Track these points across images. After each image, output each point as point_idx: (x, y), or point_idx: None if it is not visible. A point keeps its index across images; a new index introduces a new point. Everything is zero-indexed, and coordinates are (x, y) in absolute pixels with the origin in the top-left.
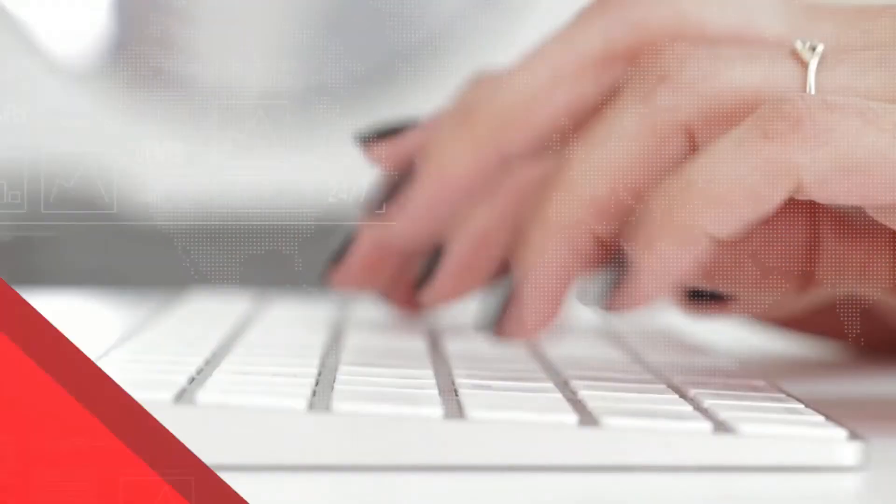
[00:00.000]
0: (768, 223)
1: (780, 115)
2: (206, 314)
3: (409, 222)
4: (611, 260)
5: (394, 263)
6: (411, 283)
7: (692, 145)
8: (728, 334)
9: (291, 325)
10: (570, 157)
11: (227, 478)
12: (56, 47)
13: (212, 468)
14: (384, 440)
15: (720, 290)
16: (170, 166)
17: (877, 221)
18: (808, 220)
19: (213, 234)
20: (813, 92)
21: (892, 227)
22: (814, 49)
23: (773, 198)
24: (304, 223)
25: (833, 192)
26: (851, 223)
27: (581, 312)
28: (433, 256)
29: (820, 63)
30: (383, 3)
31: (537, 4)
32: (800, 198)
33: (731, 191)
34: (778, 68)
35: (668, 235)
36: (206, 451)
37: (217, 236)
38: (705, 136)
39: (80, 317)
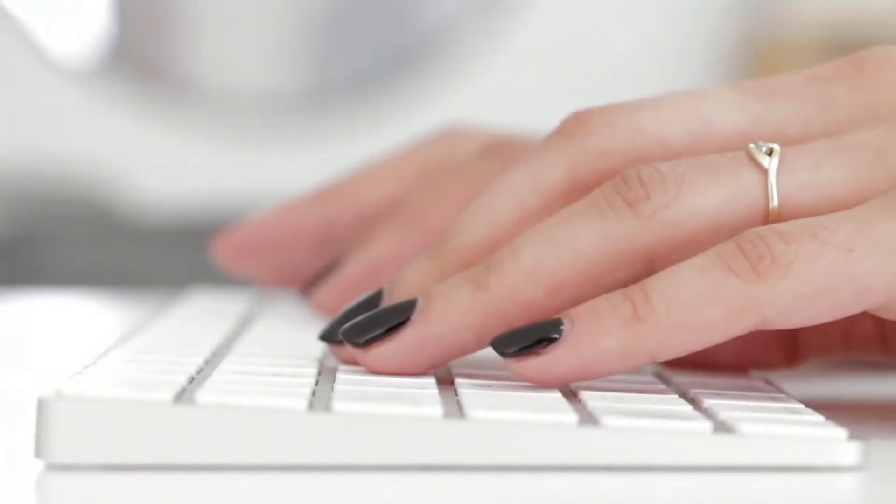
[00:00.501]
0: None
1: (742, 252)
2: (206, 314)
3: (388, 357)
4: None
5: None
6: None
7: (650, 270)
8: None
9: (291, 325)
10: (519, 249)
11: (228, 478)
12: (56, 47)
13: (212, 468)
14: (384, 440)
15: (709, 368)
16: (170, 166)
17: None
18: None
19: (213, 235)
20: (776, 197)
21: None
22: (770, 153)
23: (731, 332)
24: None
25: (799, 319)
26: None
27: None
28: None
29: (779, 165)
30: (383, 3)
31: (537, 4)
32: (765, 329)
33: (689, 320)
34: (738, 182)
35: (615, 337)
36: (206, 451)
37: (216, 236)
38: (666, 262)
39: (80, 317)
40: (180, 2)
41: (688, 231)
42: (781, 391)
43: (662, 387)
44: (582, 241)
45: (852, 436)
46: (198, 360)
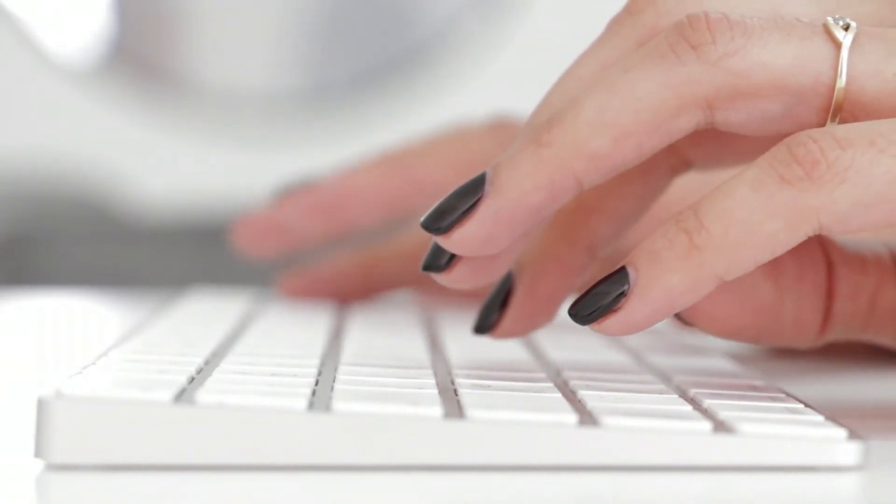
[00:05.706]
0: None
1: (795, 159)
2: (206, 314)
3: (470, 237)
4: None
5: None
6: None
7: (710, 119)
8: None
9: (291, 325)
10: (581, 101)
11: (228, 478)
12: (56, 47)
13: (212, 468)
14: (384, 440)
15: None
16: (170, 166)
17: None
18: (823, 257)
19: (213, 234)
20: (844, 75)
21: None
22: (846, 28)
23: (791, 242)
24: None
25: (855, 226)
26: (861, 256)
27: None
28: (503, 286)
29: (853, 43)
30: (384, 3)
31: (536, 4)
32: (823, 233)
33: (749, 237)
34: (810, 48)
35: (679, 273)
36: (206, 451)
37: (217, 236)
38: (726, 112)
39: (80, 317)
40: (180, 2)
41: (752, 83)
42: (781, 391)
43: (662, 387)
44: (643, 87)
45: (852, 436)
46: (198, 360)
